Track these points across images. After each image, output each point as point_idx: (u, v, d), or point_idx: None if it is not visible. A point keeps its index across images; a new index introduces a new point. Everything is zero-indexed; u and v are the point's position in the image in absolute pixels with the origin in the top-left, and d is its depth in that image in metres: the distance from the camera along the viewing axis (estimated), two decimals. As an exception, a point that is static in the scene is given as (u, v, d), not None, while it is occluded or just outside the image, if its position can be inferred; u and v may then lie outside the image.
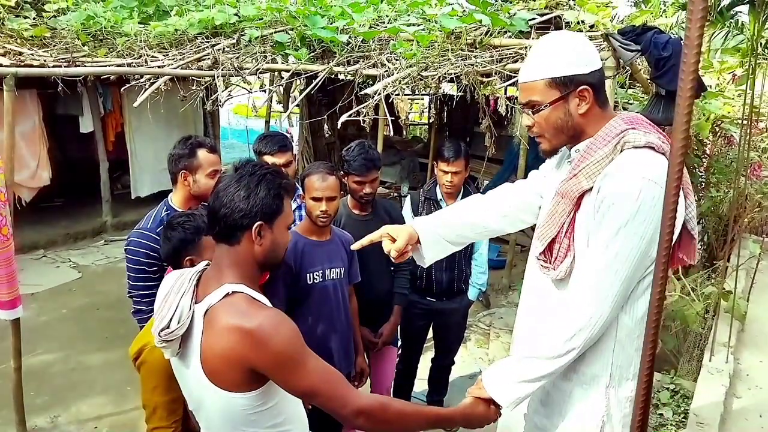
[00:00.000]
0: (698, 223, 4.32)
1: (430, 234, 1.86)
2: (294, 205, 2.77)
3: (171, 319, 1.37)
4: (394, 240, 1.77)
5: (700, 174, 4.11)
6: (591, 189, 1.48)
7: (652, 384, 0.78)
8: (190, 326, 1.39)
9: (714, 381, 2.89)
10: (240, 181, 1.44)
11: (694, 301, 3.22)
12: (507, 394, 1.54)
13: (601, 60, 3.05)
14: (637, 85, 3.91)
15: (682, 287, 3.30)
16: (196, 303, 1.41)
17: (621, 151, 1.46)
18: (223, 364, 1.34)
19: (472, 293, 3.29)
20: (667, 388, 3.11)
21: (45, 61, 4.78)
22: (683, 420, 2.82)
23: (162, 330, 1.37)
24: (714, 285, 3.29)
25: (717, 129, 4.23)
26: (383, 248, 1.80)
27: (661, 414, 2.93)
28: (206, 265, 1.53)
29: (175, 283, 1.44)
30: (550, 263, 1.60)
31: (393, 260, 1.79)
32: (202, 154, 2.42)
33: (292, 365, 1.34)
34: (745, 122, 3.11)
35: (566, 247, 1.54)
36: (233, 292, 1.37)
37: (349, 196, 2.79)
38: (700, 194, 4.08)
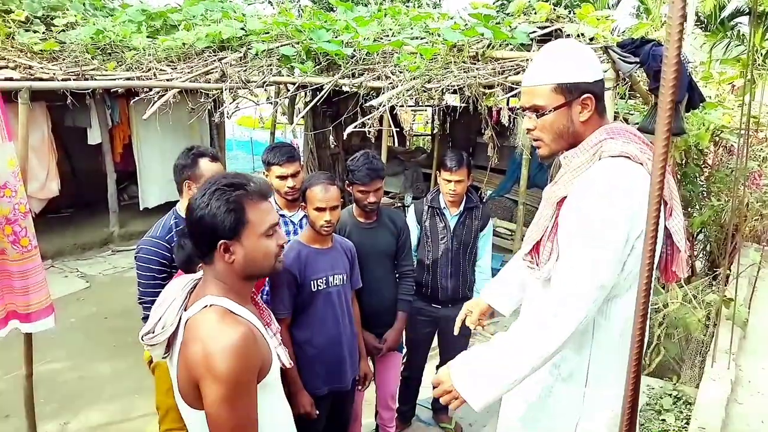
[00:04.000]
0: (700, 231, 4.38)
1: (497, 298, 2.12)
2: (302, 214, 2.84)
3: (156, 324, 1.40)
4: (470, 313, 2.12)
5: (701, 183, 4.16)
6: (567, 195, 1.55)
7: (638, 390, 0.81)
8: (176, 333, 1.41)
9: (716, 387, 2.92)
10: (196, 201, 1.41)
11: (695, 309, 3.25)
12: (480, 396, 1.52)
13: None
14: (637, 96, 3.98)
15: (684, 295, 3.34)
16: (185, 310, 1.43)
17: (599, 159, 1.50)
18: (184, 376, 1.36)
19: (476, 301, 3.33)
20: (670, 395, 3.13)
21: (54, 74, 4.89)
22: (685, 426, 2.85)
23: (146, 334, 1.40)
24: (715, 293, 3.33)
25: (717, 139, 4.29)
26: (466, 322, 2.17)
27: (664, 420, 2.96)
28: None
29: (171, 292, 1.46)
30: (536, 264, 1.66)
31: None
32: (204, 163, 2.48)
33: (219, 395, 1.28)
34: (744, 132, 3.16)
35: (549, 249, 1.59)
36: (211, 305, 1.37)
37: (354, 205, 2.85)
38: (702, 203, 4.12)
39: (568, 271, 1.48)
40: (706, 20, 11.58)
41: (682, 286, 3.38)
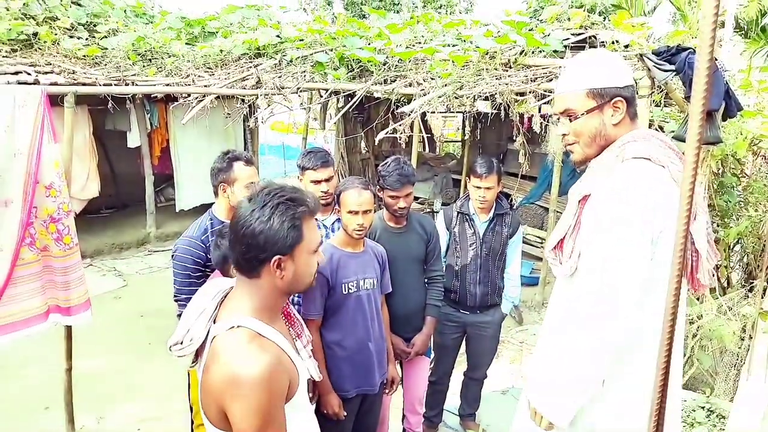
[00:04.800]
0: (737, 242, 4.28)
1: None
2: (334, 218, 2.89)
3: (184, 336, 1.39)
4: None
5: (738, 193, 4.07)
6: (590, 195, 1.61)
7: (664, 408, 0.80)
8: (204, 345, 1.40)
9: (751, 401, 2.86)
10: (253, 213, 1.35)
11: (730, 321, 3.19)
12: (562, 413, 1.57)
13: (636, 80, 3.10)
14: (673, 104, 3.92)
15: (719, 306, 3.28)
16: (214, 322, 1.41)
17: (621, 161, 1.56)
18: (207, 396, 1.33)
19: (505, 307, 3.33)
20: (703, 408, 3.07)
21: (96, 79, 5.07)
22: (718, 439, 2.80)
23: (174, 344, 1.40)
24: (751, 305, 3.26)
25: (756, 148, 4.19)
26: None
27: (696, 433, 2.91)
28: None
29: (202, 299, 1.45)
30: (559, 261, 1.72)
31: None
32: (239, 167, 2.55)
33: (246, 428, 1.26)
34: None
35: (571, 247, 1.65)
36: (239, 326, 1.33)
37: (384, 209, 2.89)
38: (739, 214, 4.03)
39: (597, 267, 1.50)
40: (746, 27, 11.28)
41: (717, 298, 3.32)
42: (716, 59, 3.05)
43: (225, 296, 1.47)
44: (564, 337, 1.56)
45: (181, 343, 1.39)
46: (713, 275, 1.69)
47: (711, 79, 0.66)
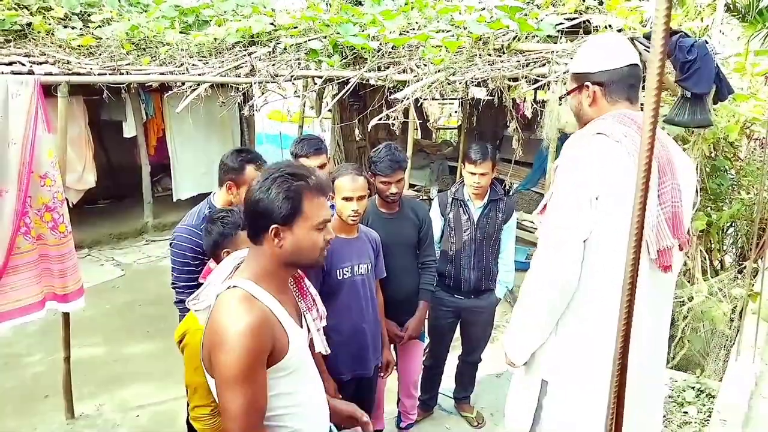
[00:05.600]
0: (730, 225, 4.30)
1: None
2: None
3: (201, 292, 1.54)
4: None
5: (731, 176, 4.09)
6: None
7: (623, 394, 0.79)
8: None
9: (739, 381, 2.90)
10: (258, 184, 1.48)
11: (721, 302, 3.22)
12: (517, 350, 1.82)
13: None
14: (666, 87, 3.92)
15: (710, 288, 3.31)
16: None
17: (585, 136, 1.72)
18: (204, 348, 1.46)
19: (499, 291, 3.36)
20: (693, 388, 3.12)
21: (91, 69, 5.05)
22: (707, 418, 2.83)
23: (192, 300, 1.55)
24: (741, 286, 3.29)
25: (749, 132, 4.20)
26: None
27: (686, 412, 2.95)
28: None
29: (226, 264, 1.60)
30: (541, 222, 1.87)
31: None
32: (250, 170, 2.55)
33: (222, 380, 1.37)
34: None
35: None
36: (234, 287, 1.44)
37: (376, 195, 2.91)
38: (731, 197, 4.06)
39: (543, 229, 1.74)
40: (744, 10, 11.23)
41: (708, 279, 3.35)
42: (707, 43, 3.06)
43: (242, 261, 1.58)
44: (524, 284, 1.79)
45: (198, 298, 1.53)
46: (685, 257, 1.75)
47: (665, 55, 0.68)
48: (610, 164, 1.61)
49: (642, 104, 1.71)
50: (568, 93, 1.85)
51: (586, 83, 1.78)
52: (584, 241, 1.62)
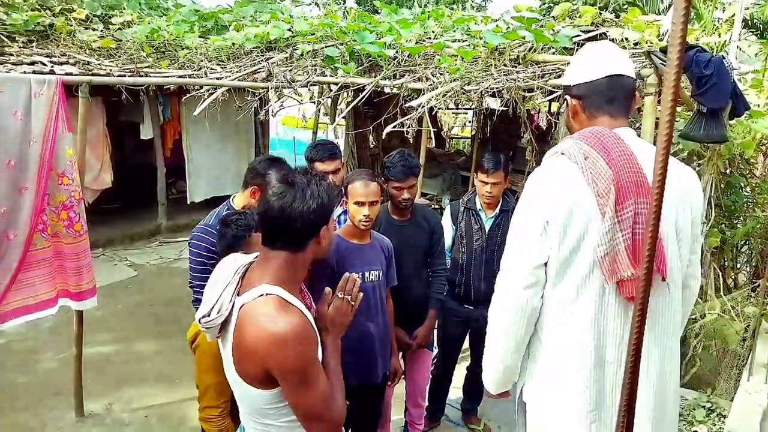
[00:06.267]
0: (744, 243, 4.26)
1: None
2: (339, 210, 2.93)
3: (212, 309, 1.47)
4: None
5: (746, 193, 4.05)
6: None
7: (633, 411, 0.79)
8: (230, 316, 1.48)
9: (751, 401, 2.87)
10: (305, 192, 1.47)
11: (734, 321, 3.19)
12: (487, 380, 1.82)
13: (642, 77, 3.09)
14: (681, 102, 3.91)
15: (722, 305, 3.28)
16: (238, 295, 1.50)
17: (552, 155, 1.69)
18: (247, 360, 1.43)
19: (508, 302, 3.35)
20: (704, 407, 3.08)
21: (111, 70, 5.13)
22: (718, 437, 2.81)
23: (203, 317, 1.48)
24: (754, 305, 3.26)
25: (765, 149, 4.17)
26: None
27: (696, 431, 2.92)
28: (255, 257, 1.60)
29: (224, 273, 1.54)
30: None
31: None
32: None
33: (297, 380, 1.40)
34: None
35: None
36: (267, 294, 1.43)
37: (389, 202, 2.92)
38: (746, 214, 4.02)
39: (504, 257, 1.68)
40: (762, 27, 11.15)
41: (720, 297, 3.32)
42: (724, 58, 3.04)
43: (246, 270, 1.56)
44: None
45: (209, 315, 1.47)
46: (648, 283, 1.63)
47: (680, 70, 0.68)
48: (562, 188, 1.54)
49: (627, 120, 1.69)
50: (560, 105, 1.89)
51: (566, 96, 1.74)
52: (545, 264, 1.57)
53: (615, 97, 1.64)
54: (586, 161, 1.52)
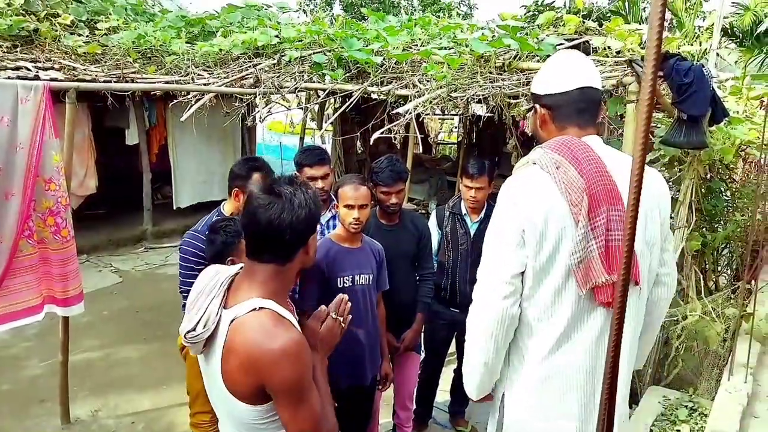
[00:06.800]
0: (724, 247, 4.35)
1: None
2: (328, 215, 2.95)
3: (198, 323, 1.41)
4: None
5: (726, 198, 4.14)
6: None
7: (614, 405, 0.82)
8: (216, 330, 1.43)
9: (732, 400, 2.93)
10: (293, 202, 1.42)
11: (715, 322, 3.26)
12: (469, 387, 1.80)
13: (624, 85, 3.16)
14: (663, 109, 3.99)
15: (703, 307, 3.35)
16: (224, 308, 1.44)
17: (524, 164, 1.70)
18: (239, 376, 1.38)
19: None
20: (686, 406, 3.14)
21: (96, 76, 5.11)
22: (700, 437, 2.86)
23: (189, 332, 1.42)
24: (735, 306, 3.33)
25: (744, 154, 4.27)
26: None
27: (679, 430, 2.98)
28: (240, 268, 1.55)
29: (207, 285, 1.48)
30: None
31: None
32: (257, 178, 2.61)
33: (293, 397, 1.37)
34: (766, 146, 3.18)
35: None
36: (260, 308, 1.39)
37: (377, 207, 2.96)
38: (726, 218, 4.11)
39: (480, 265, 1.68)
40: (741, 35, 11.39)
41: (702, 299, 3.40)
42: (703, 66, 3.12)
43: (231, 282, 1.50)
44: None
45: (194, 330, 1.42)
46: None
47: (656, 78, 0.71)
48: (537, 197, 1.55)
49: (595, 130, 1.71)
50: (528, 111, 1.85)
51: (535, 105, 1.74)
52: (521, 273, 1.58)
53: (585, 109, 1.66)
54: (558, 171, 1.54)
